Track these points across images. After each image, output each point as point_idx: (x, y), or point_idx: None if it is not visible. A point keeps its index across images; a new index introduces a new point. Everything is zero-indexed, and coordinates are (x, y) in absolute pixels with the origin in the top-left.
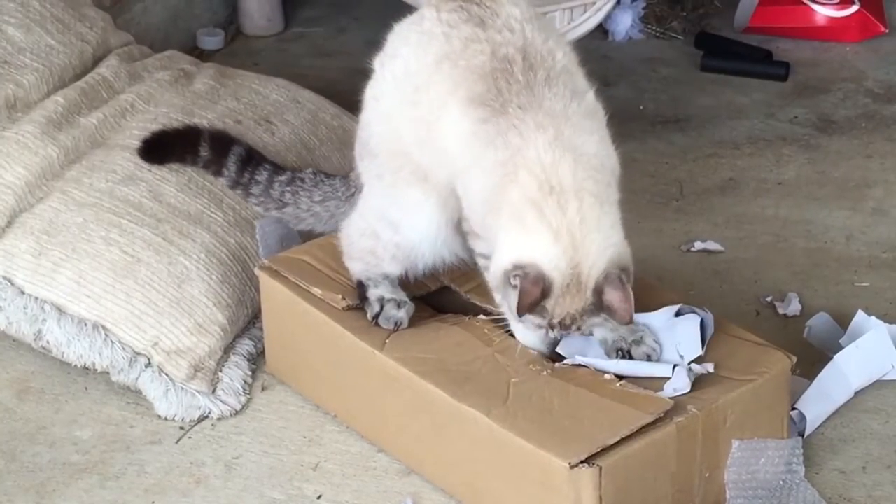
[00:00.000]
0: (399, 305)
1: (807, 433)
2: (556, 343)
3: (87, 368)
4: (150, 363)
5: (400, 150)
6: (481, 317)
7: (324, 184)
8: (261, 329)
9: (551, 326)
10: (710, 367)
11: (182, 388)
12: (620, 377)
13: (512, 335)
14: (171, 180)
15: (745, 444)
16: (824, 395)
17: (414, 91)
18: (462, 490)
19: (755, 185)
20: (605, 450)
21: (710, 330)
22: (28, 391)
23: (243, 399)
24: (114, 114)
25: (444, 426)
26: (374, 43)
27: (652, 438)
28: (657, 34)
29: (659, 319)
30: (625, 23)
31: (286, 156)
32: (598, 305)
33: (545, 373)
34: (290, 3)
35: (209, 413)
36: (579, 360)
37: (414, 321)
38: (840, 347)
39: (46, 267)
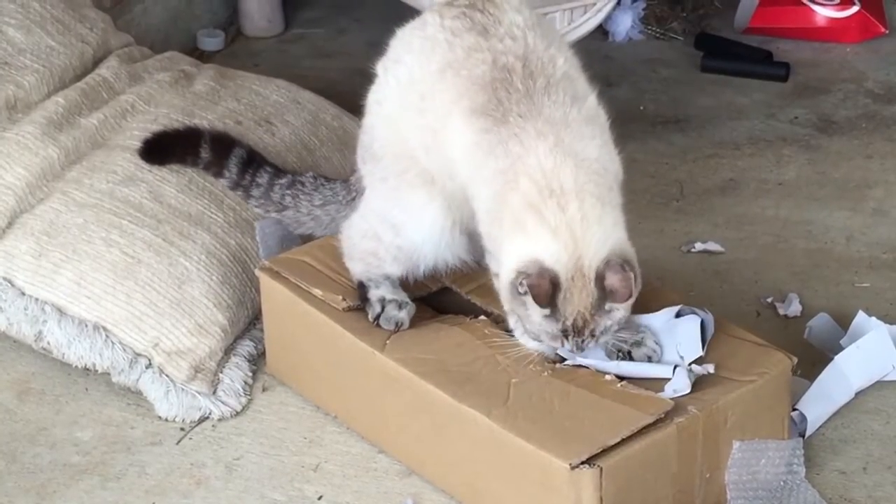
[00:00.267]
0: (400, 306)
1: (807, 434)
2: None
3: (87, 369)
4: (150, 364)
5: (405, 153)
6: (482, 317)
7: (324, 188)
8: (261, 330)
9: (565, 334)
10: (710, 368)
11: (183, 389)
12: (621, 378)
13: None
14: (171, 181)
15: (746, 444)
16: (825, 396)
17: (419, 99)
18: (462, 491)
19: (755, 186)
20: (606, 450)
21: (711, 331)
22: (29, 392)
23: (244, 400)
24: (114, 115)
25: (444, 427)
26: (375, 44)
27: (652, 439)
28: (657, 35)
29: (659, 320)
30: (625, 23)
31: (286, 156)
32: (603, 295)
33: (545, 373)
34: (291, 4)
35: (210, 414)
36: (580, 360)
37: (415, 322)
38: (840, 348)
39: (47, 268)
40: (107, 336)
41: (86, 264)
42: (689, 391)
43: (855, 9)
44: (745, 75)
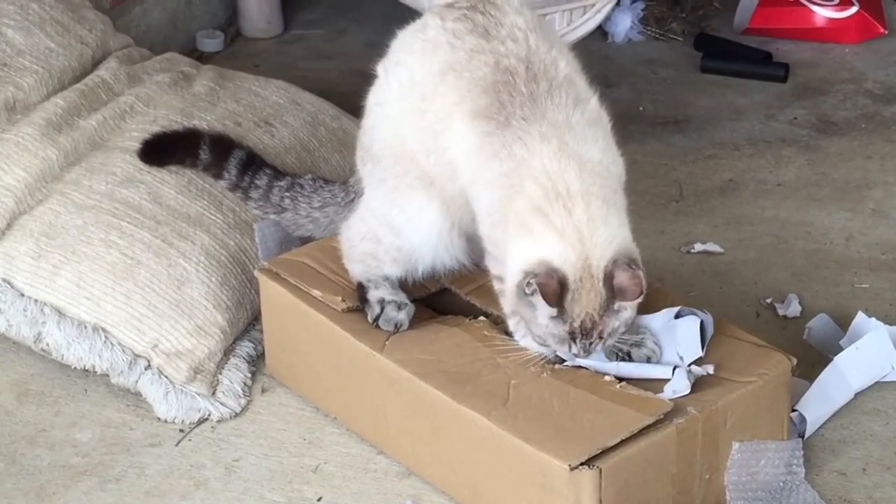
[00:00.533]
0: (399, 307)
1: (807, 435)
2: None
3: (86, 371)
4: (149, 365)
5: (405, 155)
6: (481, 319)
7: (323, 190)
8: (260, 331)
9: (573, 336)
10: (709, 369)
11: (182, 391)
12: (620, 379)
13: None
14: (170, 182)
15: (746, 445)
16: (824, 397)
17: (420, 100)
18: (462, 491)
19: (755, 187)
20: (605, 451)
21: (710, 331)
22: (28, 394)
23: (243, 401)
24: (113, 116)
25: (444, 428)
26: (374, 45)
27: (652, 440)
28: (657, 36)
29: (659, 321)
30: (624, 24)
31: (285, 157)
32: (611, 294)
33: (545, 374)
34: (290, 5)
35: (209, 415)
36: (579, 361)
37: (414, 323)
38: (840, 349)
39: (46, 269)
40: (106, 337)
41: (85, 265)
42: (688, 392)
43: (854, 9)
44: (745, 76)
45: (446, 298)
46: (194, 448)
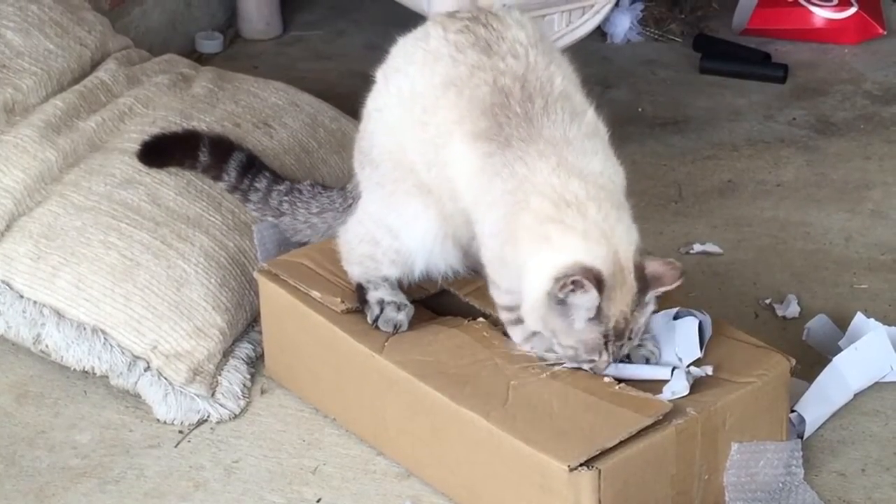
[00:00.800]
0: (399, 308)
1: (806, 435)
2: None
3: (86, 372)
4: (149, 367)
5: (404, 163)
6: (480, 320)
7: (321, 196)
8: (260, 332)
9: (606, 339)
10: (708, 370)
11: (181, 392)
12: (619, 380)
13: None
14: (169, 184)
15: (745, 446)
16: (823, 398)
17: (422, 112)
18: (461, 493)
19: (754, 187)
20: (605, 452)
21: (709, 332)
22: (27, 395)
23: (242, 403)
24: (112, 117)
25: (443, 429)
26: (373, 46)
27: (651, 441)
28: (656, 36)
29: (657, 322)
30: (623, 25)
31: (284, 159)
32: (643, 286)
33: (544, 375)
34: (289, 6)
35: (208, 417)
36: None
37: (413, 324)
38: (839, 349)
39: (45, 271)
40: (105, 339)
41: (84, 267)
42: (687, 393)
43: (853, 10)
44: (744, 77)
45: (445, 299)
46: (193, 449)
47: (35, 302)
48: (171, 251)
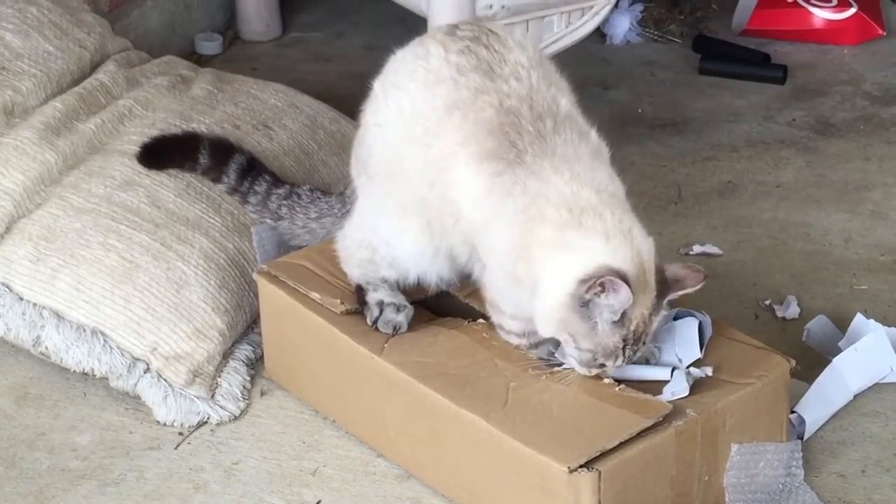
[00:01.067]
0: (398, 309)
1: (806, 436)
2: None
3: (85, 374)
4: (148, 369)
5: (399, 179)
6: (480, 321)
7: (320, 201)
8: (259, 334)
9: (625, 343)
10: (708, 371)
11: (181, 394)
12: (619, 381)
13: None
14: (169, 185)
15: (745, 447)
16: (823, 399)
17: (424, 133)
18: (461, 494)
19: (753, 189)
20: (604, 454)
21: (709, 333)
22: (27, 397)
23: (242, 404)
24: (112, 119)
25: (443, 430)
26: (373, 47)
27: (651, 442)
28: (655, 37)
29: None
30: (623, 26)
31: (284, 160)
32: (663, 289)
33: (544, 377)
34: (288, 7)
35: (208, 418)
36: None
37: (413, 325)
38: (839, 350)
39: (45, 273)
40: (105, 341)
41: (84, 269)
42: (687, 394)
43: (853, 11)
44: (743, 78)
45: (445, 301)
46: (193, 451)
47: (35, 304)
48: (171, 253)
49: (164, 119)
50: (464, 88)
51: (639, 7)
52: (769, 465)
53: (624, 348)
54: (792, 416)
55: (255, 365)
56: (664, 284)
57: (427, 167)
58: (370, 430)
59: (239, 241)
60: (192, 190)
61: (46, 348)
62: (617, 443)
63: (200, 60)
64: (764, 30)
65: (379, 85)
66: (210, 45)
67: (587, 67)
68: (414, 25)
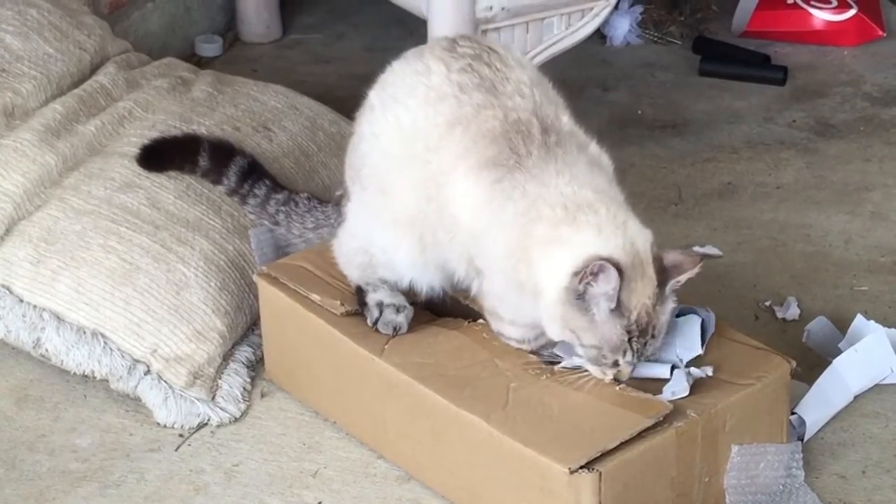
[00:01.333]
0: (398, 310)
1: (806, 437)
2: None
3: (86, 376)
4: (149, 371)
5: (392, 193)
6: (480, 321)
7: (317, 210)
8: (260, 336)
9: (630, 335)
10: (708, 371)
11: (181, 396)
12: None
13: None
14: (169, 187)
15: (745, 448)
16: (823, 400)
17: (424, 150)
18: (462, 495)
19: (753, 190)
20: (605, 454)
21: (711, 329)
22: (27, 399)
23: (242, 406)
24: (112, 121)
25: (443, 432)
26: (372, 49)
27: (651, 443)
28: (655, 39)
29: None
30: (622, 28)
31: (284, 162)
32: (663, 279)
33: (544, 377)
34: (288, 9)
35: (208, 420)
36: (577, 361)
37: (413, 326)
38: (839, 352)
39: (45, 275)
40: (105, 343)
41: (84, 271)
42: (687, 394)
43: (852, 12)
44: (743, 79)
45: (445, 301)
46: (194, 453)
47: (35, 306)
48: (171, 255)
49: (164, 121)
50: (466, 105)
51: (639, 9)
52: (769, 466)
53: (630, 341)
54: (792, 418)
55: (256, 367)
56: (663, 272)
57: (426, 182)
58: (370, 432)
59: (239, 242)
60: (192, 192)
61: (47, 350)
62: (617, 443)
63: (200, 62)
64: (764, 31)
65: (376, 96)
66: (210, 47)
67: (587, 69)
68: (414, 27)
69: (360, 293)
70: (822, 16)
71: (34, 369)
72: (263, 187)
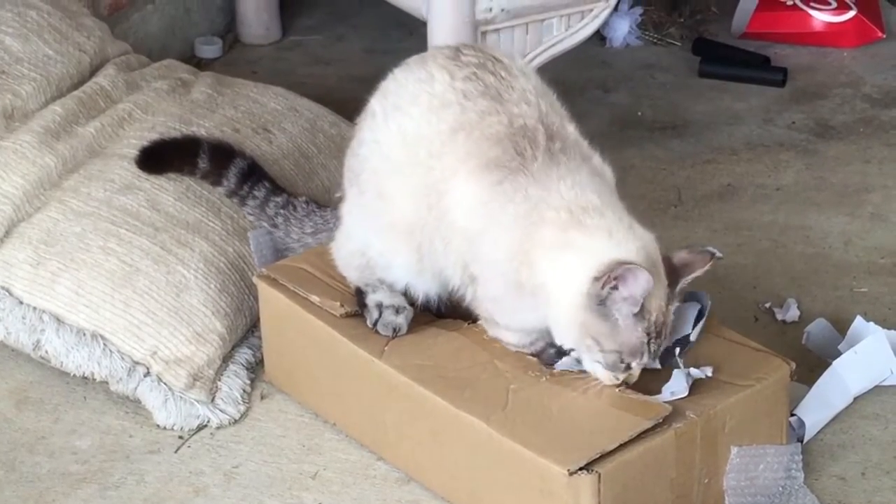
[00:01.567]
0: (398, 311)
1: (806, 439)
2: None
3: (85, 378)
4: (148, 372)
5: (392, 199)
6: (480, 323)
7: (315, 214)
8: (259, 338)
9: (648, 337)
10: (708, 371)
11: (181, 398)
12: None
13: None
14: (168, 189)
15: (745, 450)
16: (823, 401)
17: (427, 156)
18: (462, 497)
19: (753, 191)
20: (604, 456)
21: (706, 314)
22: (27, 401)
23: (242, 408)
24: (111, 123)
25: (443, 433)
26: (373, 51)
27: (651, 444)
28: (655, 40)
29: None
30: (622, 29)
31: (284, 164)
32: (674, 279)
33: (544, 379)
34: (288, 11)
35: (208, 422)
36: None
37: (413, 327)
38: (839, 353)
39: (45, 277)
40: (105, 345)
41: (84, 273)
42: (686, 394)
43: (852, 13)
44: (743, 80)
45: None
46: (193, 455)
47: (34, 308)
48: (171, 257)
49: (164, 123)
50: (471, 111)
51: (638, 10)
52: (769, 467)
53: (648, 343)
54: (792, 419)
55: (255, 368)
56: (674, 273)
57: (427, 190)
58: (370, 434)
59: (239, 244)
60: (191, 193)
61: (46, 352)
62: (617, 445)
63: (200, 64)
64: (763, 32)
65: (377, 103)
66: (210, 49)
67: (587, 70)
68: (414, 29)
69: (359, 294)
70: (821, 17)
71: (34, 371)
72: (263, 189)
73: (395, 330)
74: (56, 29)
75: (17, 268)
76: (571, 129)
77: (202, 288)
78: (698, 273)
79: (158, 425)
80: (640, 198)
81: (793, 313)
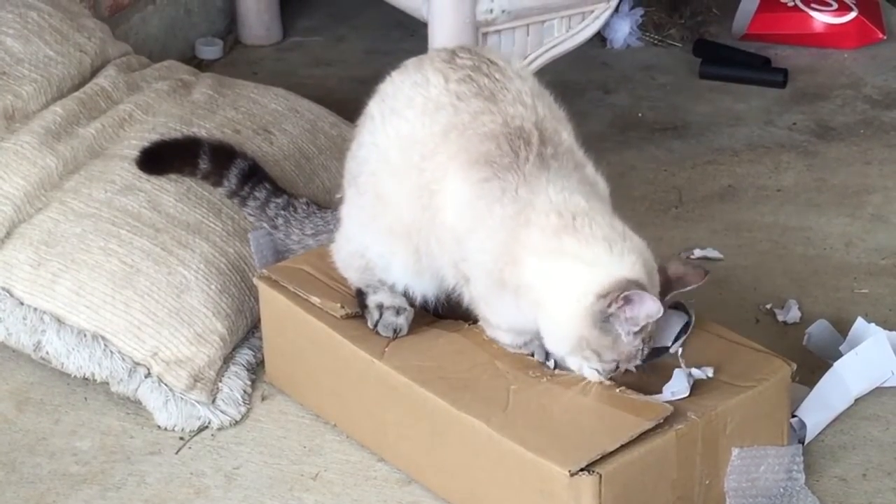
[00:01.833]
0: (398, 312)
1: (807, 440)
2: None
3: (86, 379)
4: (149, 373)
5: (389, 201)
6: (480, 323)
7: (315, 216)
8: (260, 339)
9: (644, 346)
10: (709, 372)
11: (182, 399)
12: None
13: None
14: (169, 190)
15: (745, 451)
16: (824, 403)
17: (420, 159)
18: (462, 498)
19: (754, 193)
20: (605, 457)
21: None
22: (28, 402)
23: (243, 409)
24: (112, 124)
25: (443, 434)
26: (373, 51)
27: (652, 445)
28: (655, 42)
29: None
30: (623, 30)
31: (284, 165)
32: (665, 289)
33: (544, 380)
34: (289, 12)
35: (209, 423)
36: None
37: (413, 328)
38: (840, 354)
39: (45, 277)
40: (106, 345)
41: (84, 274)
42: (687, 394)
43: (853, 15)
44: (744, 82)
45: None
46: (194, 456)
47: (35, 309)
48: (172, 257)
49: (165, 124)
50: (464, 112)
51: (639, 11)
52: (770, 468)
53: (643, 350)
54: (793, 420)
55: (256, 369)
56: (667, 284)
57: (420, 192)
58: (371, 435)
59: (240, 245)
60: (192, 194)
61: (47, 353)
62: (617, 445)
63: (201, 65)
64: (764, 34)
65: (375, 107)
66: (210, 50)
67: (587, 71)
68: (414, 29)
69: (360, 296)
70: (822, 18)
71: (35, 372)
72: (264, 190)
73: (395, 331)
74: (57, 30)
75: (18, 269)
76: (566, 136)
77: (203, 289)
78: (690, 289)
79: (159, 426)
80: (640, 199)
81: (794, 314)
